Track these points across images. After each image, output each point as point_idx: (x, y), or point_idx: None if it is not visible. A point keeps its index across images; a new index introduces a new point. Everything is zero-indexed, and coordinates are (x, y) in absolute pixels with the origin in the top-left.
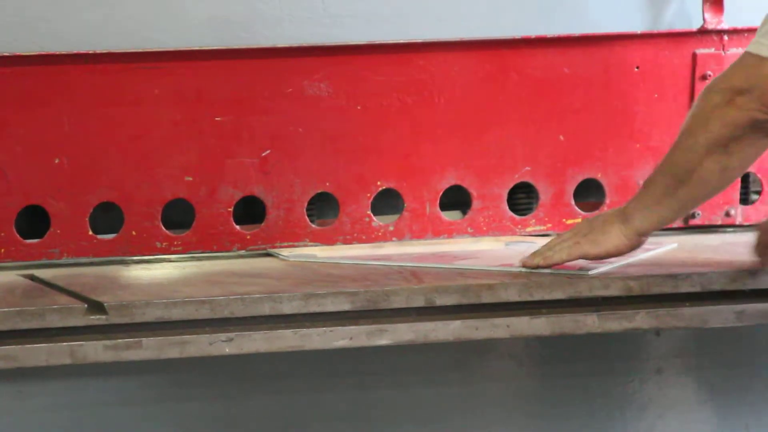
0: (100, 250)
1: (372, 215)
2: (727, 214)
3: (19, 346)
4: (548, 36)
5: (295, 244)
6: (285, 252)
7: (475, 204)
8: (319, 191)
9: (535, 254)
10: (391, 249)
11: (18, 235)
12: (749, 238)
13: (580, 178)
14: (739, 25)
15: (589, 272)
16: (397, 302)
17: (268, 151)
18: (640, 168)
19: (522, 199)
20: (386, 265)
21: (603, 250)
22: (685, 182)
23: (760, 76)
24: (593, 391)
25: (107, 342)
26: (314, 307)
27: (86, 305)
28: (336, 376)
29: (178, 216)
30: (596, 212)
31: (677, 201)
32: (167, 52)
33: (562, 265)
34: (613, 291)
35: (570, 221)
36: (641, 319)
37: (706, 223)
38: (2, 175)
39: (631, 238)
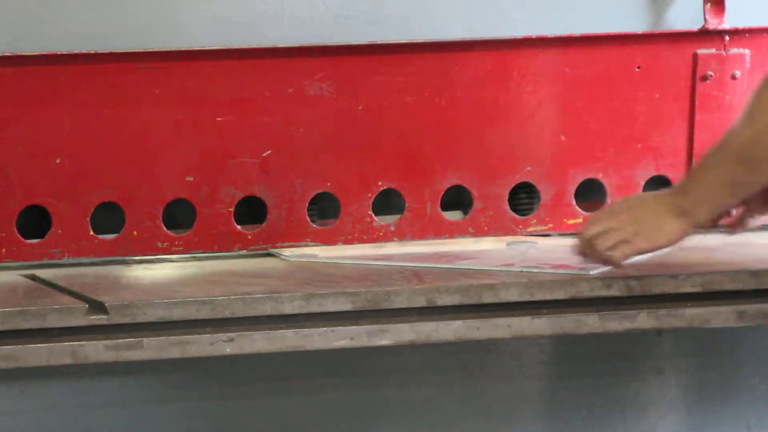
0: (101, 250)
1: (373, 215)
2: (729, 215)
3: (21, 346)
4: (549, 36)
5: (297, 244)
6: (286, 252)
7: (477, 204)
8: (320, 191)
9: (590, 249)
10: (392, 249)
11: (19, 235)
12: (751, 238)
13: (581, 178)
14: (740, 26)
15: (591, 272)
16: (399, 302)
17: (269, 151)
18: (641, 168)
19: (523, 199)
20: (387, 265)
21: (657, 246)
22: (759, 169)
23: None
24: (594, 391)
25: (108, 342)
26: (315, 307)
27: (87, 305)
28: (336, 376)
29: (181, 216)
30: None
31: (746, 188)
32: (168, 52)
33: (564, 264)
34: (615, 291)
35: (571, 221)
36: (642, 319)
37: None
38: (3, 175)
39: (688, 231)
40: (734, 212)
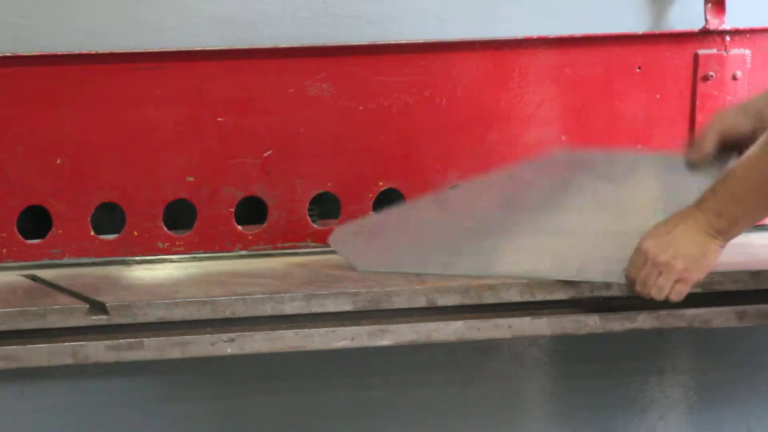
0: (101, 250)
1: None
2: None
3: (21, 347)
4: (549, 36)
5: (297, 244)
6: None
7: None
8: (321, 191)
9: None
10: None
11: (20, 236)
12: (751, 238)
13: None
14: (741, 26)
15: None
16: (399, 302)
17: (269, 152)
18: None
19: None
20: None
21: (708, 270)
22: None
23: None
24: (595, 392)
25: (109, 342)
26: (316, 308)
27: (88, 305)
28: (336, 376)
29: (181, 217)
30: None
31: None
32: (169, 53)
33: None
34: (615, 291)
35: None
36: (643, 320)
37: None
38: (4, 175)
39: (725, 246)
40: None
